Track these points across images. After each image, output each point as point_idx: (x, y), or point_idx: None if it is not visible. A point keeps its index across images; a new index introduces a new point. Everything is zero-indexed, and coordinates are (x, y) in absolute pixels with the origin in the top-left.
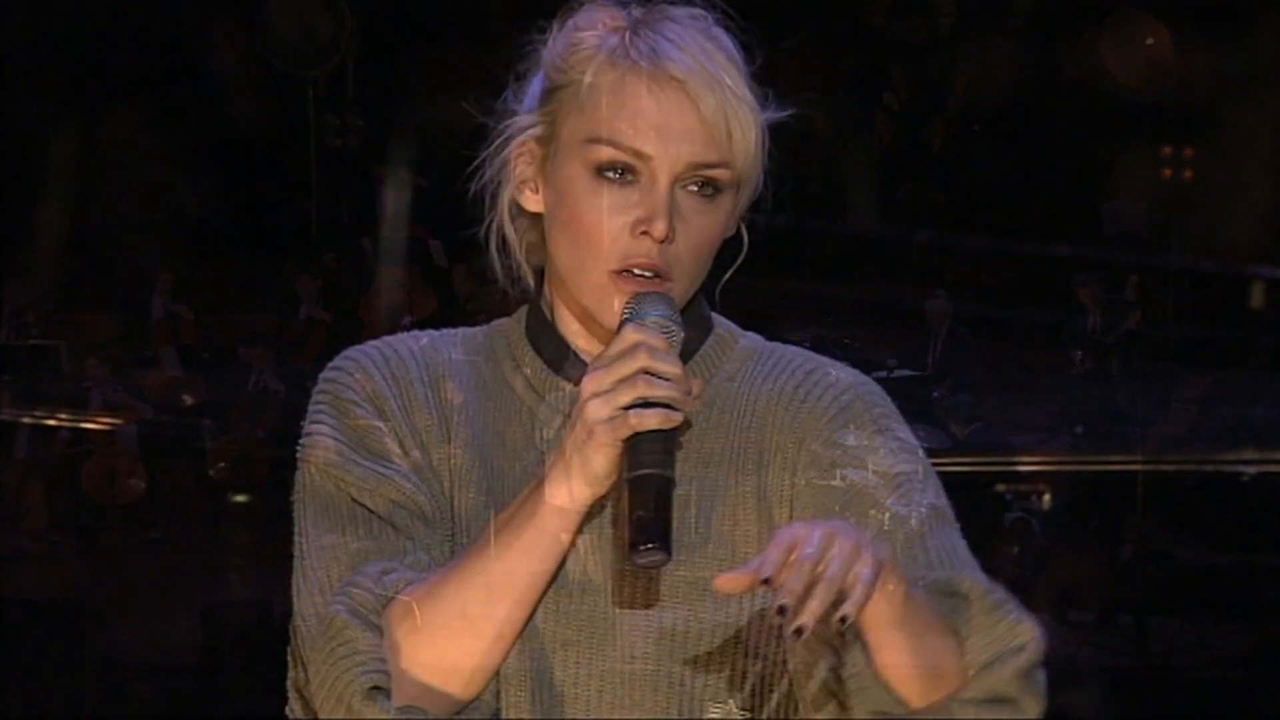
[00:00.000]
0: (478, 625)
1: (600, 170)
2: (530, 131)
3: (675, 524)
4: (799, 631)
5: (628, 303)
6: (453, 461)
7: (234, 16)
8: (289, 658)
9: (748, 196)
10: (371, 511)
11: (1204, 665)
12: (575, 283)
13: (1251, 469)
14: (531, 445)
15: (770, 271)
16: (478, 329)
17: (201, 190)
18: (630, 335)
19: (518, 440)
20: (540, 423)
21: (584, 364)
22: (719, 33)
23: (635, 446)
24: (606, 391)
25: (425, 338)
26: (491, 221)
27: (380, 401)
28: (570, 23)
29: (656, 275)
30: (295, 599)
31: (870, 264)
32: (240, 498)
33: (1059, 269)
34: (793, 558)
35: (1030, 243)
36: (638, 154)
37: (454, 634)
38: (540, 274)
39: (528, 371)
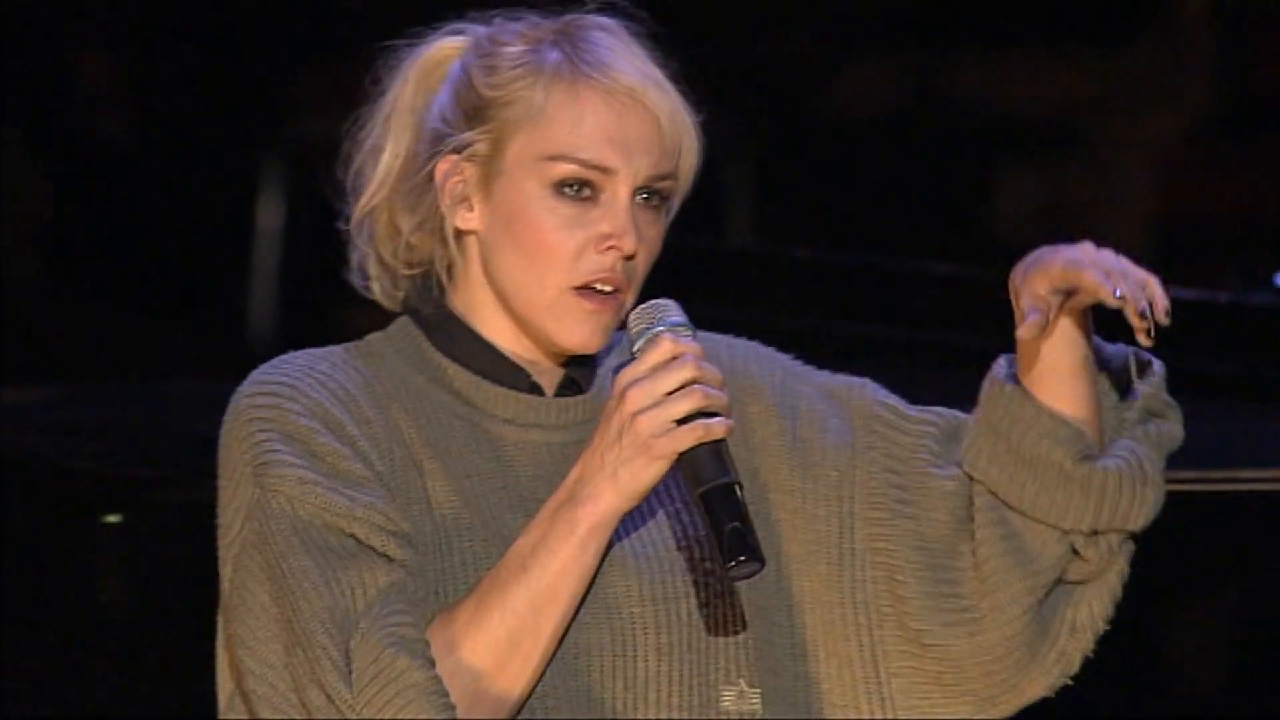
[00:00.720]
0: (527, 651)
1: (559, 187)
2: (467, 151)
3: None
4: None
5: (635, 312)
6: (423, 481)
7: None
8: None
9: (678, 201)
10: (362, 542)
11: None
12: (529, 301)
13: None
14: (494, 465)
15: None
16: (355, 344)
17: None
18: (668, 345)
19: (477, 456)
20: (497, 442)
21: (523, 372)
22: (638, 39)
23: (694, 459)
24: (657, 404)
25: (318, 353)
26: (366, 232)
27: (332, 422)
28: (484, 35)
29: (616, 290)
30: (268, 644)
31: (745, 281)
32: None
33: (939, 287)
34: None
35: (909, 260)
36: (601, 169)
37: (505, 662)
38: (426, 285)
39: (456, 384)
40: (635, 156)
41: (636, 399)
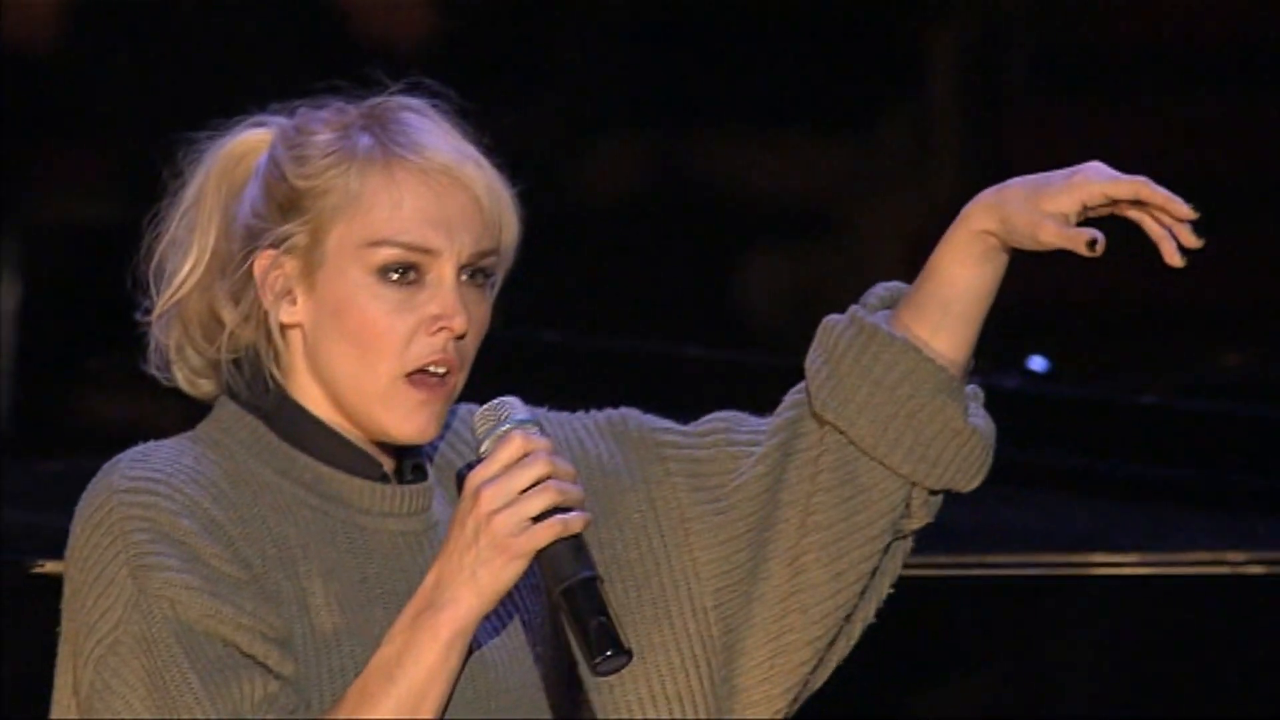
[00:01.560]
0: None
1: (384, 272)
2: (286, 244)
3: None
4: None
5: (481, 412)
6: (295, 583)
7: None
8: None
9: (501, 278)
10: (244, 652)
11: None
12: (360, 392)
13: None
14: (352, 559)
15: None
16: (194, 435)
17: None
18: (519, 442)
19: (336, 550)
20: (354, 533)
21: (373, 459)
22: (447, 117)
23: (552, 556)
24: (512, 503)
25: (178, 445)
26: (169, 323)
27: (210, 522)
28: (290, 126)
29: (448, 372)
30: None
31: (495, 366)
32: None
33: (688, 369)
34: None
35: (658, 344)
36: (424, 251)
37: None
38: (255, 374)
39: (306, 476)
40: (457, 235)
41: (491, 498)
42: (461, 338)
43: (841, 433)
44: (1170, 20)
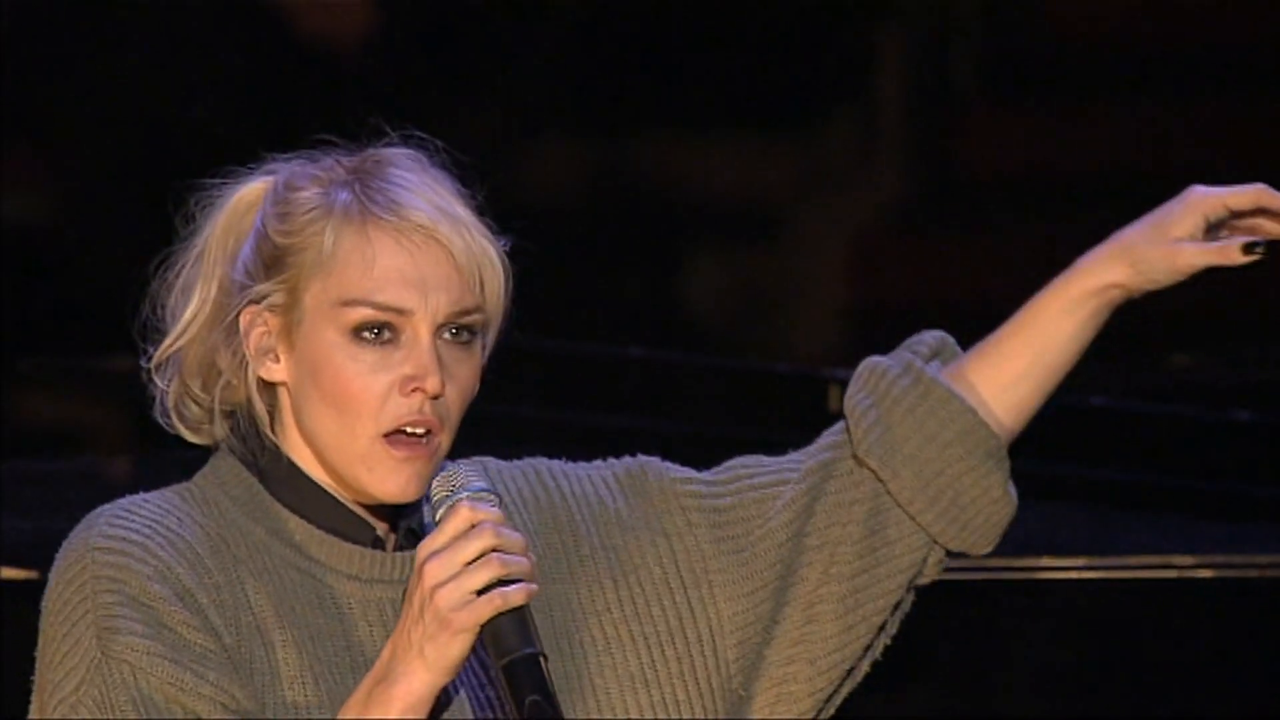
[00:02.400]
0: None
1: (357, 332)
2: (266, 302)
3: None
4: None
5: (438, 479)
6: (269, 654)
7: None
8: None
9: (494, 336)
10: None
11: None
12: (341, 451)
13: None
14: (338, 625)
15: None
16: (188, 488)
17: None
18: (466, 513)
19: (321, 616)
20: (341, 598)
21: (366, 525)
22: (439, 167)
23: (496, 630)
24: (455, 577)
25: (164, 503)
26: (171, 372)
27: (181, 589)
28: (279, 182)
29: (429, 432)
30: None
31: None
32: None
33: (631, 371)
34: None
35: (602, 346)
36: (398, 310)
37: None
38: (253, 426)
39: (297, 538)
40: (432, 295)
41: (434, 572)
42: (438, 398)
43: (881, 481)
44: (1116, 22)
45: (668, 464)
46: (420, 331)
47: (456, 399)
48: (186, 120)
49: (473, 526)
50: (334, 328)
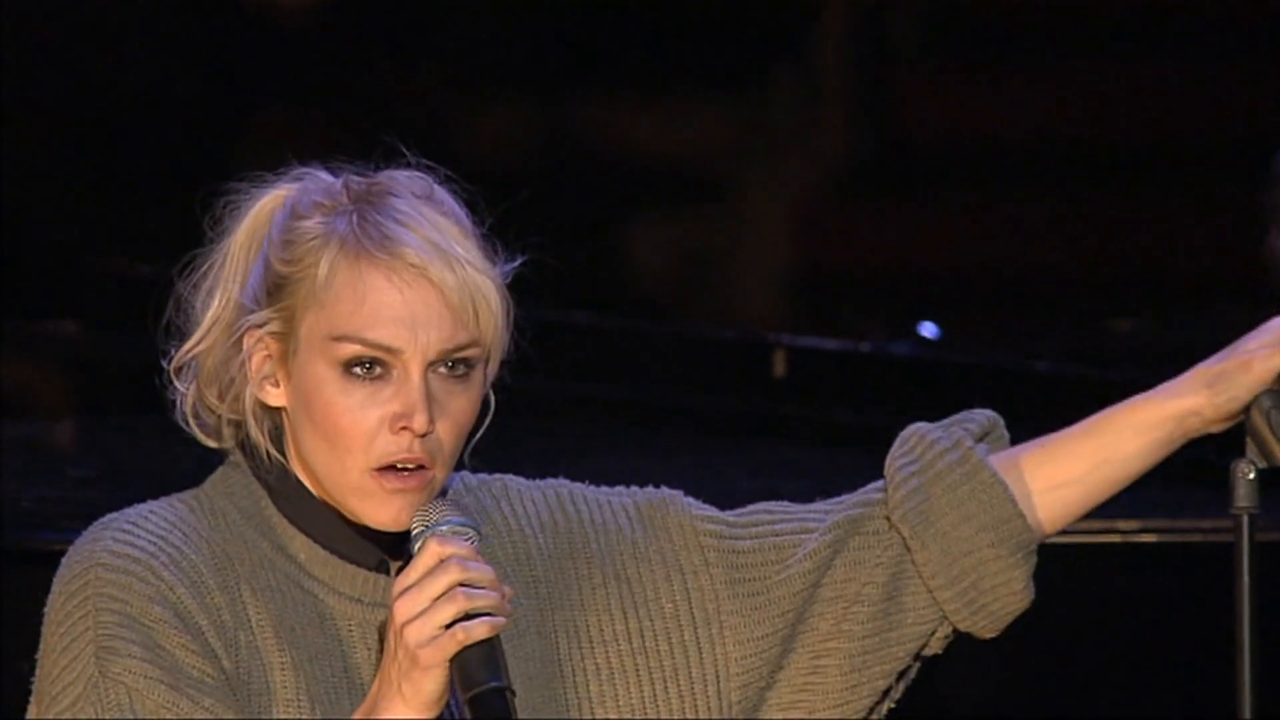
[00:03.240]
0: None
1: (348, 367)
2: (266, 328)
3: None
4: None
5: (417, 514)
6: (266, 675)
7: None
8: None
9: (497, 362)
10: None
11: None
12: (334, 482)
13: None
14: (337, 646)
15: None
16: (198, 496)
17: None
18: (434, 549)
19: (320, 636)
20: (340, 620)
21: (370, 547)
22: (443, 196)
23: (464, 662)
24: (423, 612)
25: (172, 515)
26: (190, 375)
27: (182, 610)
28: (288, 206)
29: (420, 467)
30: None
31: None
32: None
33: (577, 336)
34: None
35: (546, 311)
36: (387, 349)
37: None
38: (268, 433)
39: (302, 557)
40: (422, 333)
41: (403, 609)
42: (427, 435)
43: (908, 549)
44: None
45: (690, 500)
46: (411, 369)
47: (450, 433)
48: (126, 82)
49: (441, 562)
50: (325, 361)
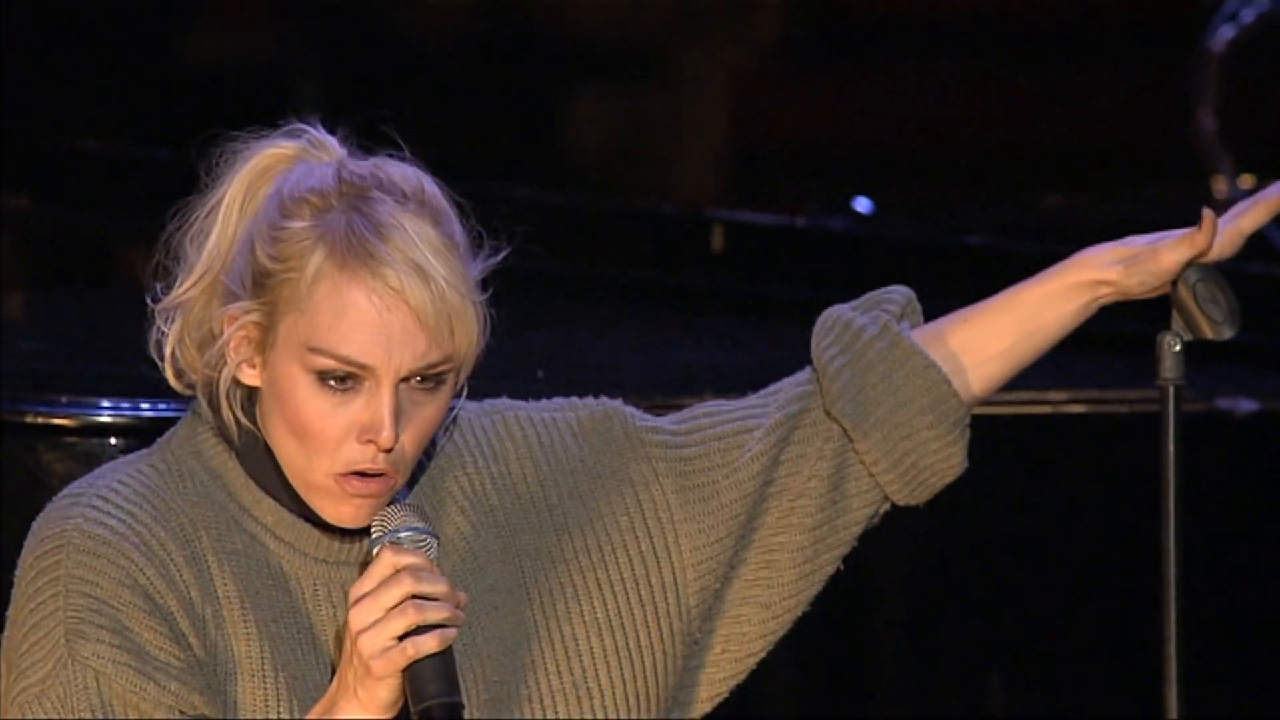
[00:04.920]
0: None
1: (322, 377)
2: (247, 317)
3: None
4: None
5: (376, 518)
6: (233, 652)
7: None
8: None
9: (469, 370)
10: None
11: None
12: (297, 475)
13: None
14: (303, 605)
15: None
16: (165, 456)
17: None
18: (389, 559)
19: (281, 600)
20: (305, 580)
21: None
22: (433, 193)
23: (416, 674)
24: (376, 623)
25: (141, 485)
26: (171, 319)
27: (152, 590)
28: (281, 194)
29: (382, 474)
30: None
31: None
32: None
33: (516, 211)
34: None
35: (485, 185)
36: (360, 365)
37: None
38: (240, 401)
39: (268, 520)
40: (396, 352)
41: (357, 618)
42: (391, 450)
43: (849, 439)
44: None
45: (630, 410)
46: (382, 384)
47: (415, 441)
48: None
49: (394, 573)
50: (300, 365)
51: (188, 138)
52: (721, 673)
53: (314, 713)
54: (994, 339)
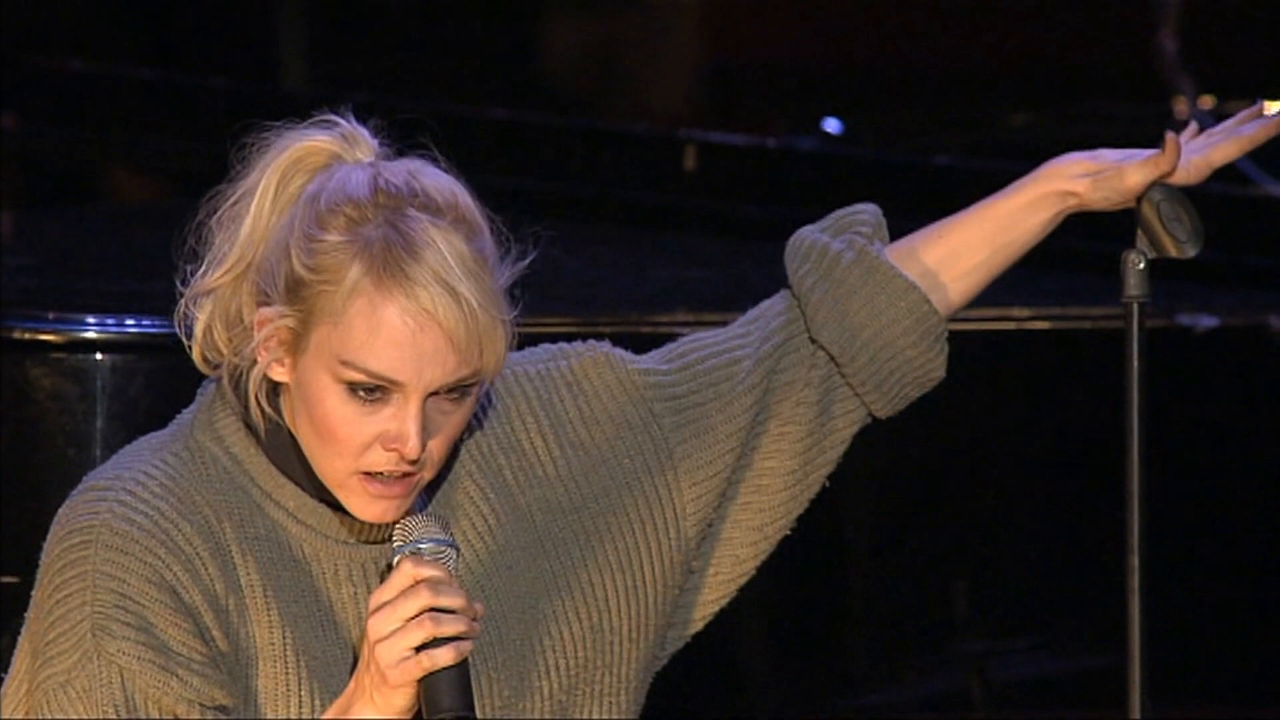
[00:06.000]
0: None
1: (351, 388)
2: (281, 321)
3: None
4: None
5: (398, 526)
6: (255, 640)
7: None
8: None
9: (494, 376)
10: None
11: None
12: (322, 471)
13: (685, 330)
14: (323, 586)
15: None
16: (188, 444)
17: None
18: (409, 570)
19: (302, 580)
20: (326, 561)
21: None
22: (466, 205)
23: (431, 685)
24: (394, 632)
25: (166, 478)
26: (201, 301)
27: (176, 587)
28: (318, 202)
29: (406, 475)
30: None
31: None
32: None
33: (497, 132)
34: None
35: (460, 106)
36: (390, 380)
37: None
38: (267, 390)
39: (290, 504)
40: (426, 370)
41: (376, 627)
42: (416, 460)
43: (835, 362)
44: None
45: (618, 352)
46: (410, 398)
47: (442, 445)
48: None
49: (414, 584)
50: (330, 374)
51: (172, 57)
52: (714, 594)
53: (330, 712)
54: (968, 253)
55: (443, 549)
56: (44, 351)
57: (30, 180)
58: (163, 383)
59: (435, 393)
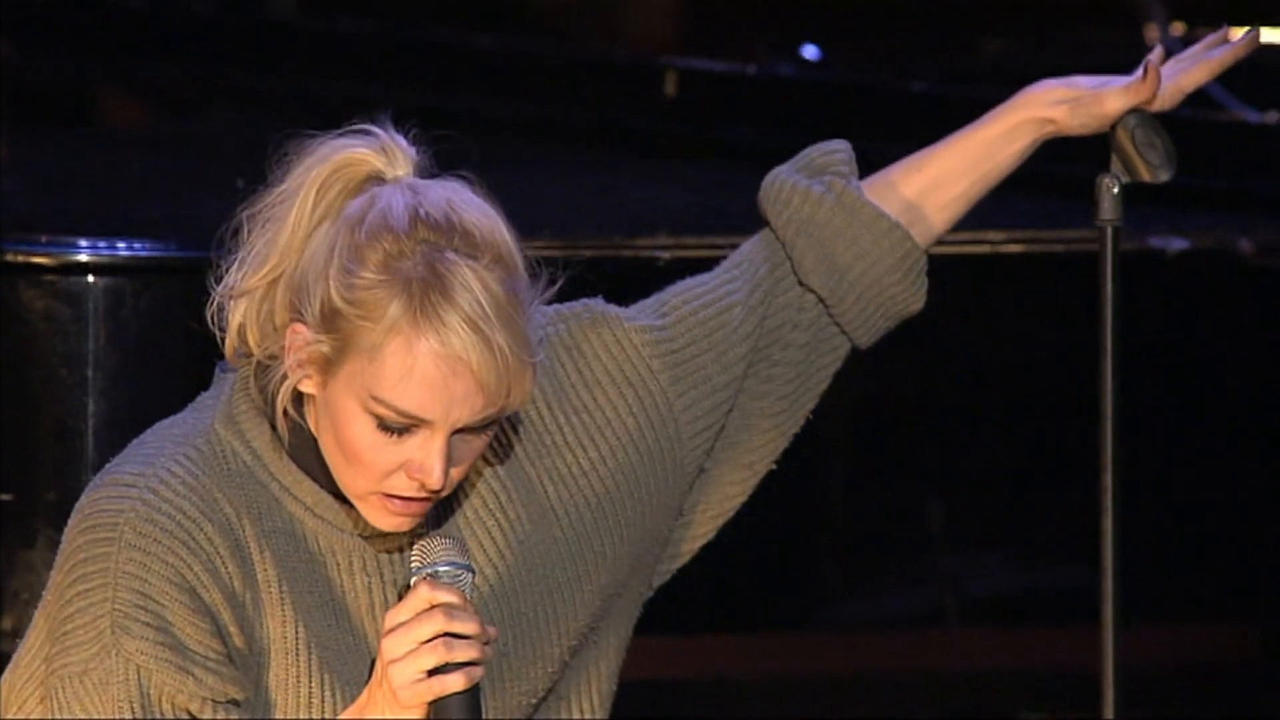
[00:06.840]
0: None
1: (380, 420)
2: (315, 346)
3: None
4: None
5: (417, 547)
6: (269, 633)
7: None
8: None
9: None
10: (198, 718)
11: None
12: (342, 482)
13: (665, 254)
14: (339, 577)
15: None
16: (209, 439)
17: None
18: (425, 594)
19: (318, 571)
20: (341, 554)
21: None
22: (502, 237)
23: (442, 710)
24: (408, 654)
25: (188, 475)
26: (236, 298)
27: (196, 586)
28: (359, 231)
29: (426, 498)
30: None
31: (289, 52)
32: None
33: (480, 59)
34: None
35: (450, 34)
36: (419, 419)
37: None
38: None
39: (309, 500)
40: (455, 410)
41: (390, 648)
42: (438, 491)
43: (824, 304)
44: None
45: (611, 308)
46: (437, 434)
47: (462, 472)
48: None
49: (430, 608)
50: (359, 404)
51: None
52: (703, 529)
53: (349, 712)
54: (948, 184)
55: (460, 573)
56: (37, 274)
57: (21, 102)
58: (153, 305)
59: (461, 430)
